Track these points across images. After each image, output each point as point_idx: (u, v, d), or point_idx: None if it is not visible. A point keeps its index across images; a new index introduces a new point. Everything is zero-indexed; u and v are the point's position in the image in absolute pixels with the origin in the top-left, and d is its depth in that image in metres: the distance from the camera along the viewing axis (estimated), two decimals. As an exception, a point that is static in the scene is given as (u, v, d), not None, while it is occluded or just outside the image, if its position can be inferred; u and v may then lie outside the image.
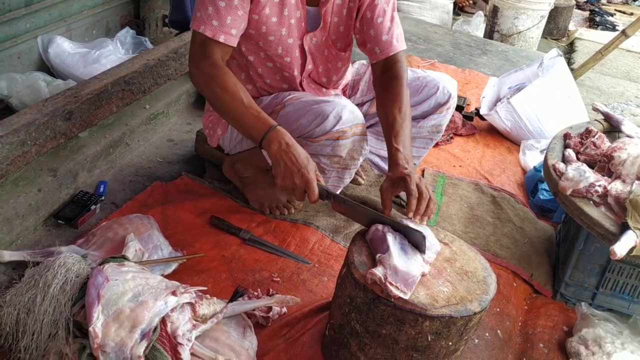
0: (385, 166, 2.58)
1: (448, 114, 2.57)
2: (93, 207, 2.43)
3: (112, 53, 3.18)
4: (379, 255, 1.77)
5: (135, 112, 2.90)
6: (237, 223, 2.45)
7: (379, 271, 1.72)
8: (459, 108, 3.60)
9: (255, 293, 2.08)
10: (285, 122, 2.16)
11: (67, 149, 2.52)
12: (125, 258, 1.96)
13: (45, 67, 3.07)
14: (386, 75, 2.31)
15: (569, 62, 5.22)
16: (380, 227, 1.87)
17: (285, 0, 2.20)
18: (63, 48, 3.05)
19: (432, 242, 1.85)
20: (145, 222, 2.26)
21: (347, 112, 2.14)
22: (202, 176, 2.75)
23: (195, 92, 3.28)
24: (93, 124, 2.54)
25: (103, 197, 2.52)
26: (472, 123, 3.56)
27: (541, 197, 2.93)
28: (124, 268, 1.84)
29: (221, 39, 2.09)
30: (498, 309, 2.32)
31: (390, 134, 2.16)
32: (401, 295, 1.69)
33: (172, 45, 3.00)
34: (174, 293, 1.78)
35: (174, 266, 2.16)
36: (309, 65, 2.39)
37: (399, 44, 2.34)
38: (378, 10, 2.30)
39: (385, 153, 2.54)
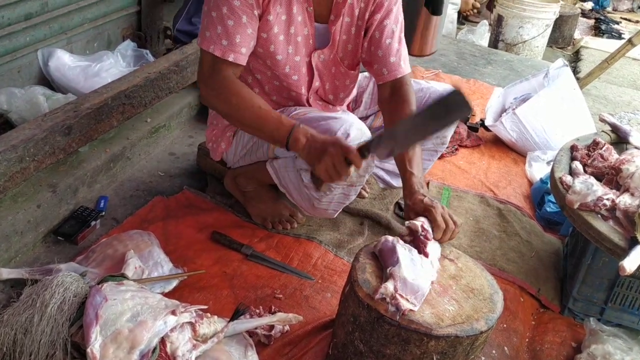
0: (391, 180, 2.56)
1: (452, 125, 2.52)
2: (93, 222, 2.40)
3: (113, 66, 3.15)
4: (389, 268, 1.74)
5: (137, 125, 2.87)
6: (239, 238, 2.42)
7: (389, 285, 1.69)
8: (464, 119, 3.57)
9: (257, 311, 2.05)
10: (238, 142, 2.22)
11: (67, 163, 2.49)
12: (124, 276, 1.93)
13: (46, 80, 3.04)
14: (395, 98, 2.31)
15: (575, 71, 5.19)
16: (390, 238, 1.84)
17: (292, 18, 2.19)
18: (63, 61, 3.02)
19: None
20: (145, 238, 2.23)
21: (354, 130, 2.08)
22: (204, 190, 2.72)
23: (197, 105, 3.25)
24: (93, 139, 2.51)
25: (103, 213, 2.49)
26: (477, 134, 3.52)
27: (548, 209, 2.89)
28: (123, 287, 1.80)
29: (230, 58, 2.09)
30: (505, 325, 2.28)
31: (403, 157, 2.15)
32: (411, 307, 1.67)
33: (174, 58, 2.97)
34: (173, 312, 1.75)
35: (174, 283, 2.13)
36: (316, 83, 2.36)
37: (406, 67, 2.34)
38: (387, 31, 2.30)
39: (390, 166, 2.52)
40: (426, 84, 2.55)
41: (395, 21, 2.32)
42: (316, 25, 2.25)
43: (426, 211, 1.95)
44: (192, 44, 3.16)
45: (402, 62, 2.34)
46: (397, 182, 2.68)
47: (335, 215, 2.35)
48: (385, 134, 1.90)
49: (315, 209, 2.28)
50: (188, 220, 2.48)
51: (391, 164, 2.58)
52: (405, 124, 1.87)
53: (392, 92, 2.33)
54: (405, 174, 2.13)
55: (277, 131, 2.04)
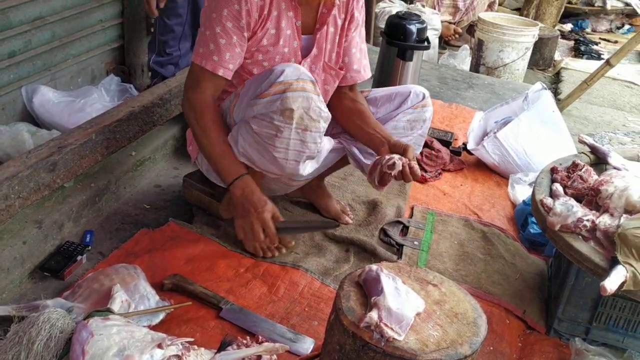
0: (363, 158, 2.61)
1: (425, 111, 2.65)
2: (79, 257, 2.41)
3: (97, 101, 3.18)
4: (373, 298, 1.76)
5: (121, 159, 2.89)
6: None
7: (374, 315, 1.71)
8: (447, 143, 3.61)
9: (244, 341, 2.05)
10: (244, 94, 2.36)
11: (52, 199, 2.50)
12: (110, 311, 1.93)
13: (30, 117, 3.06)
14: (353, 93, 2.64)
15: (556, 92, 5.26)
16: (374, 267, 1.86)
17: (281, 32, 2.37)
18: (47, 97, 3.05)
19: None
20: (131, 272, 2.24)
21: (291, 68, 2.26)
22: (189, 221, 2.73)
23: (182, 137, 3.27)
24: (78, 174, 2.53)
25: (89, 247, 2.50)
26: (460, 158, 3.56)
27: (532, 230, 2.92)
28: (109, 322, 1.81)
29: (220, 72, 2.33)
30: (492, 348, 2.29)
31: (376, 129, 2.49)
32: (395, 336, 1.68)
33: (158, 91, 3.00)
34: (160, 346, 1.76)
35: (161, 316, 2.13)
36: None
37: (365, 73, 2.65)
38: (354, 42, 2.58)
39: (363, 146, 2.63)
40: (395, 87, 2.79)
41: (360, 36, 2.61)
42: (303, 37, 2.44)
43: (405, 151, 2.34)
44: (175, 78, 3.19)
45: (363, 70, 2.64)
46: (370, 161, 2.72)
47: (304, 171, 2.42)
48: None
49: (278, 162, 2.34)
50: (174, 252, 2.49)
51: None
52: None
53: (350, 89, 2.65)
54: (385, 137, 2.45)
55: (226, 172, 2.37)
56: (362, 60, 2.62)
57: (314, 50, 2.47)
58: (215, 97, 2.40)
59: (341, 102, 2.62)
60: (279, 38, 2.38)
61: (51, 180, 2.38)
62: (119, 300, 2.05)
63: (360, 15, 2.56)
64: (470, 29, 6.10)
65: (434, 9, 5.98)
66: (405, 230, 2.86)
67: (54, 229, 2.46)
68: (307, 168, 2.42)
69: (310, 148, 2.32)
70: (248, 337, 2.08)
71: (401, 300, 1.76)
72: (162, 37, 3.54)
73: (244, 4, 2.26)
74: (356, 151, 2.66)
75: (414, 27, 3.73)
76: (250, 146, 2.33)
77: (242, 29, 2.30)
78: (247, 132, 2.31)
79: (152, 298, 2.18)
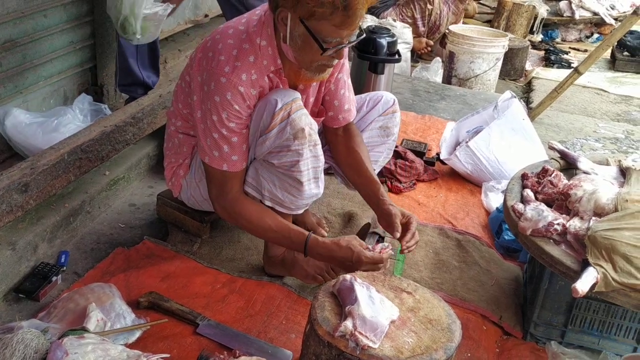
0: None
1: (395, 117, 2.71)
2: (54, 278, 2.40)
3: (71, 121, 3.17)
4: (348, 307, 1.77)
5: (95, 179, 2.89)
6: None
7: (348, 323, 1.72)
8: (420, 154, 3.64)
9: (222, 356, 2.04)
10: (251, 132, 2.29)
11: (25, 220, 2.49)
12: (84, 330, 1.93)
13: (3, 140, 3.05)
14: (346, 135, 2.58)
15: (528, 101, 5.31)
16: (348, 277, 1.88)
17: (264, 93, 2.27)
18: (20, 120, 3.03)
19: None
20: (106, 290, 2.23)
21: (280, 92, 2.23)
22: (165, 239, 2.73)
23: (156, 155, 3.27)
24: (51, 195, 2.52)
25: (64, 268, 2.50)
26: (433, 168, 3.59)
27: (506, 237, 2.95)
28: (84, 340, 1.81)
29: (243, 167, 2.30)
30: (469, 354, 2.31)
31: (369, 187, 2.52)
32: (370, 344, 1.69)
33: (130, 110, 3.01)
34: (136, 362, 1.76)
35: (137, 334, 2.13)
36: None
37: (354, 110, 2.61)
38: (341, 84, 2.50)
39: None
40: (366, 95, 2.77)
41: (346, 72, 2.52)
42: None
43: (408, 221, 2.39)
44: (149, 96, 3.20)
45: (353, 108, 2.60)
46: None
47: (322, 188, 2.38)
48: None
49: (301, 189, 2.30)
50: (150, 270, 2.48)
51: None
52: None
53: (343, 131, 2.59)
54: (373, 187, 2.49)
55: (292, 246, 2.33)
56: (351, 97, 2.58)
57: None
58: (242, 187, 2.34)
59: (337, 149, 2.61)
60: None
61: (24, 201, 2.37)
62: (95, 319, 2.05)
63: (346, 60, 2.49)
64: (442, 41, 6.16)
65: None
66: (381, 240, 2.87)
67: (28, 251, 2.45)
68: (320, 183, 2.37)
69: (321, 160, 2.31)
70: (225, 352, 2.08)
71: (375, 309, 1.77)
72: (122, 60, 3.53)
73: (242, 102, 2.19)
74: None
75: (384, 41, 3.77)
76: (275, 186, 2.30)
77: (245, 120, 2.24)
78: (269, 171, 2.28)
79: (128, 316, 2.17)
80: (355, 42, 2.22)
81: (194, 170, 2.50)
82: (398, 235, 2.35)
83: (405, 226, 2.39)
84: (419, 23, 6.17)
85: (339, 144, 2.59)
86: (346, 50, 2.42)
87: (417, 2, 6.15)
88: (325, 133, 2.62)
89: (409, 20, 6.10)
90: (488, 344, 2.40)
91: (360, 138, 2.60)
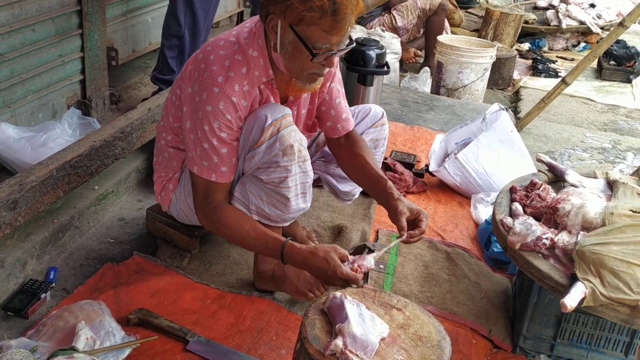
0: (338, 184, 2.76)
1: (384, 129, 2.76)
2: (43, 295, 2.39)
3: (60, 136, 3.15)
4: (338, 325, 1.78)
5: (84, 193, 2.88)
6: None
7: (339, 342, 1.72)
8: (409, 166, 3.65)
9: (212, 373, 2.05)
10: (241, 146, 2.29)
11: (14, 237, 2.48)
12: (74, 349, 1.92)
13: (-9, 155, 3.03)
14: (349, 143, 2.58)
15: (516, 111, 5.34)
16: (338, 294, 1.88)
17: (255, 105, 2.28)
18: (8, 134, 3.02)
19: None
20: (96, 308, 2.22)
21: (270, 108, 2.24)
22: (154, 254, 2.73)
23: (145, 169, 3.27)
24: (40, 211, 2.51)
25: (53, 284, 2.49)
26: (423, 180, 3.60)
27: (495, 249, 2.96)
28: (73, 360, 1.80)
29: (231, 178, 2.30)
30: (459, 368, 2.32)
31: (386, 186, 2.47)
32: (361, 363, 1.70)
33: (119, 124, 3.00)
34: (125, 382, 1.75)
35: (127, 352, 2.12)
36: None
37: (352, 118, 2.62)
38: (335, 93, 2.52)
39: (337, 171, 2.73)
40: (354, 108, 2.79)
41: (339, 81, 2.53)
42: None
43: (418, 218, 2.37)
44: (138, 110, 3.19)
45: (350, 116, 2.61)
46: (344, 187, 2.78)
47: (309, 202, 2.39)
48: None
49: (289, 204, 2.31)
50: (139, 286, 2.48)
51: (337, 168, 2.72)
52: None
53: (345, 139, 2.59)
54: (380, 183, 2.48)
55: (269, 253, 2.26)
56: (347, 105, 2.60)
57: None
58: (226, 198, 2.34)
59: (342, 157, 2.61)
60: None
61: (12, 218, 2.36)
62: (84, 337, 2.04)
63: (337, 69, 2.52)
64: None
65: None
66: (369, 253, 2.87)
67: (16, 268, 2.44)
68: (308, 197, 2.39)
69: (309, 175, 2.33)
70: (215, 369, 2.09)
71: (366, 326, 1.77)
72: (169, 54, 3.79)
73: (234, 113, 2.20)
74: (330, 179, 2.74)
75: (373, 53, 3.79)
76: (262, 201, 2.31)
77: (236, 133, 2.25)
78: (257, 186, 2.29)
79: (118, 334, 2.17)
80: (346, 51, 2.24)
81: (184, 184, 2.50)
82: (404, 234, 2.32)
83: (414, 223, 2.37)
84: (401, 32, 6.19)
85: (343, 152, 2.60)
86: (337, 59, 2.44)
87: (397, 12, 6.17)
88: (329, 145, 2.66)
89: (389, 31, 6.12)
90: (478, 357, 2.41)
91: (364, 142, 2.61)
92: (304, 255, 2.16)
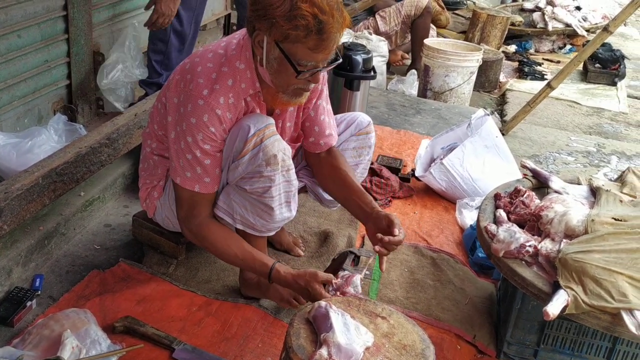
0: (324, 193, 2.73)
1: (370, 138, 2.74)
2: (29, 303, 2.39)
3: (46, 142, 3.14)
4: (323, 334, 1.79)
5: (70, 200, 2.88)
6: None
7: (323, 351, 1.73)
8: (396, 170, 3.66)
9: (197, 382, 2.06)
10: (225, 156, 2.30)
11: (-1, 245, 2.49)
12: (59, 359, 1.92)
13: (-24, 161, 3.03)
14: (329, 159, 2.59)
15: (502, 114, 5.37)
16: (323, 304, 1.89)
17: (240, 117, 2.29)
18: (-7, 140, 3.02)
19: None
20: (82, 316, 2.23)
21: (254, 118, 2.25)
22: (140, 260, 2.73)
23: (131, 174, 3.27)
24: (25, 219, 2.51)
25: (39, 292, 2.48)
26: (409, 185, 3.61)
27: (480, 254, 2.98)
28: (59, 371, 1.80)
29: (215, 189, 2.32)
30: (443, 375, 2.33)
31: (359, 198, 2.50)
32: (347, 373, 1.71)
33: (105, 130, 3.00)
34: (111, 392, 1.76)
35: (113, 360, 2.13)
36: None
37: (336, 134, 2.62)
38: (320, 109, 2.52)
39: None
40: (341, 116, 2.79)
41: (325, 98, 2.54)
42: None
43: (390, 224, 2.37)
44: (124, 115, 3.20)
45: (333, 132, 2.60)
46: (329, 195, 2.76)
47: (294, 211, 2.41)
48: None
49: (273, 214, 2.32)
50: (125, 294, 2.48)
51: None
52: None
53: (326, 154, 2.60)
54: (364, 198, 2.49)
55: (257, 272, 2.37)
56: (332, 122, 2.60)
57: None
58: (210, 212, 2.36)
59: (322, 171, 2.62)
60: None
61: (-3, 226, 2.36)
62: (70, 346, 2.04)
63: (324, 86, 2.54)
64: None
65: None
66: (356, 260, 2.88)
67: (2, 275, 2.44)
68: (293, 206, 2.39)
69: (294, 185, 2.34)
70: (201, 378, 2.09)
71: (350, 336, 1.79)
72: (153, 57, 3.85)
73: (218, 125, 2.21)
74: (316, 187, 2.73)
75: (359, 58, 3.80)
76: (247, 210, 2.31)
77: (220, 145, 2.26)
78: (241, 196, 2.30)
79: (104, 342, 2.17)
80: (331, 67, 2.24)
81: (168, 192, 2.50)
82: (377, 248, 2.35)
83: (388, 232, 2.40)
84: (384, 37, 6.22)
85: (323, 166, 2.61)
86: (324, 76, 2.45)
87: (380, 18, 6.20)
88: (307, 157, 2.66)
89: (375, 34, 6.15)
90: (462, 363, 2.43)
91: (344, 159, 2.62)
92: (289, 283, 2.28)
